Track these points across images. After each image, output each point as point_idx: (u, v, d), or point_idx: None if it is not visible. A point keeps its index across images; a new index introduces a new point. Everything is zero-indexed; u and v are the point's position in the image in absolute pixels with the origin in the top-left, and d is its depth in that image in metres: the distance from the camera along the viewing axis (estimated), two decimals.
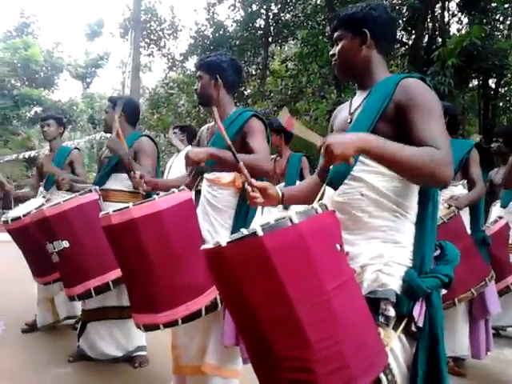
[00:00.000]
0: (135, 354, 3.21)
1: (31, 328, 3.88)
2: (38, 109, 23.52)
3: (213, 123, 2.54)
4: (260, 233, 1.09)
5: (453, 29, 10.80)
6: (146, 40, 16.58)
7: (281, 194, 1.72)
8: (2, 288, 5.18)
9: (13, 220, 3.44)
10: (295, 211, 1.17)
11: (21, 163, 19.44)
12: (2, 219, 3.60)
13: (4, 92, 22.75)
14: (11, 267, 4.09)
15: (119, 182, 3.17)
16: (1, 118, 22.03)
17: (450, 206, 2.97)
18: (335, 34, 1.68)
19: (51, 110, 18.61)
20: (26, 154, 17.73)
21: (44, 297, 3.86)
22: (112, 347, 3.19)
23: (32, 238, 3.24)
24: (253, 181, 1.66)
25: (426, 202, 1.51)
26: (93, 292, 2.79)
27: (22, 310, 4.02)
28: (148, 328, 2.10)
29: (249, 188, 1.66)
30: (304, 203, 1.73)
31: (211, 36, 14.07)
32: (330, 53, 1.72)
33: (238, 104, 12.70)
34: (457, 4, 10.29)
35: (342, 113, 1.76)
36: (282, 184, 4.17)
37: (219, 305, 2.12)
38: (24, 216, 3.37)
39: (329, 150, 1.28)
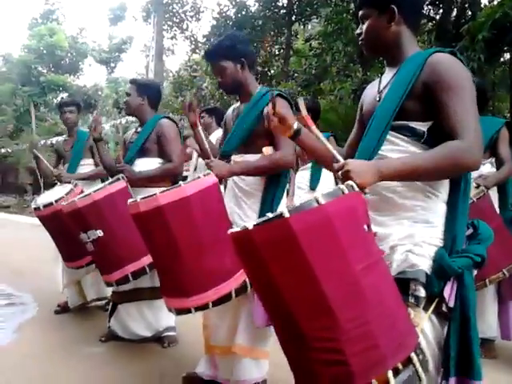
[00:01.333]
0: (164, 334, 3.27)
1: (63, 309, 3.99)
2: (64, 95, 23.83)
3: (238, 104, 2.51)
4: (286, 214, 1.10)
5: (484, 0, 10.38)
6: (169, 23, 16.55)
7: (297, 128, 1.61)
8: (36, 269, 5.34)
9: (45, 206, 3.47)
10: (321, 192, 1.16)
11: (49, 149, 19.83)
12: (33, 206, 3.65)
13: (31, 79, 23.14)
14: (45, 249, 4.20)
15: (146, 166, 3.16)
16: (29, 104, 22.43)
17: (478, 185, 2.89)
18: (360, 13, 1.63)
19: (76, 96, 18.91)
20: (54, 140, 18.07)
21: (70, 280, 3.94)
22: (142, 327, 3.25)
23: (63, 224, 3.29)
24: (278, 109, 1.57)
25: (458, 181, 1.48)
26: (130, 277, 2.84)
27: (55, 291, 4.13)
28: (179, 311, 2.12)
29: (271, 111, 1.58)
30: (318, 157, 1.69)
31: (234, 17, 13.92)
32: (357, 32, 1.67)
33: (261, 85, 12.53)
34: None
35: (370, 91, 1.72)
36: (309, 164, 4.14)
37: (249, 287, 2.13)
38: (56, 202, 3.40)
39: (348, 177, 1.27)
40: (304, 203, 1.13)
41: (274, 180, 2.29)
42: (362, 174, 1.27)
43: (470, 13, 9.23)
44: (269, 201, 2.30)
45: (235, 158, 2.39)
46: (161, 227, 1.99)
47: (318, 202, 1.12)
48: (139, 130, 3.33)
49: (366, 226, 1.22)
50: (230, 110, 2.60)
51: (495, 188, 3.13)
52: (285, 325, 1.25)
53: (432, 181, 1.45)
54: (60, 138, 4.54)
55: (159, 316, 3.25)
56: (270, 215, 1.14)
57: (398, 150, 1.48)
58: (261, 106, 2.27)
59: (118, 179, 2.96)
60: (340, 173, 1.30)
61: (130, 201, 2.09)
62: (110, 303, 3.41)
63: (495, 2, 8.77)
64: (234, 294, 2.08)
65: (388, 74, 1.63)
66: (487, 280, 2.80)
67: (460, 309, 1.42)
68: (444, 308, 1.41)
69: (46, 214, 3.51)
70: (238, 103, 2.50)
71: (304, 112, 1.42)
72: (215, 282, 2.04)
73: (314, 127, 1.42)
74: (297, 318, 1.16)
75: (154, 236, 2.07)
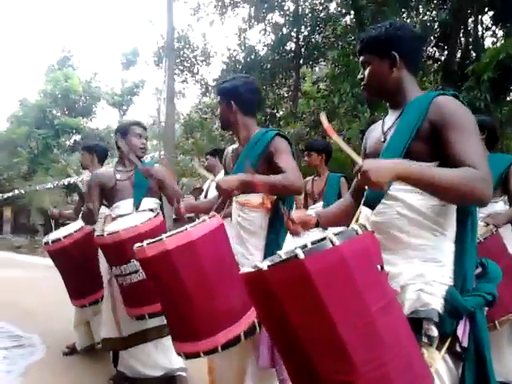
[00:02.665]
0: (176, 374, 3.16)
1: (72, 351, 3.95)
2: (77, 137, 24.35)
3: (237, 145, 2.56)
4: (301, 256, 1.09)
5: (487, 42, 10.62)
6: (180, 67, 16.99)
7: (317, 219, 1.72)
8: (47, 311, 5.32)
9: (53, 242, 3.53)
10: (334, 232, 1.16)
11: (61, 190, 20.08)
12: (43, 241, 3.71)
13: (46, 122, 23.72)
14: (57, 290, 4.20)
15: (148, 205, 3.24)
16: (42, 146, 22.93)
17: (487, 224, 2.86)
18: (361, 58, 1.67)
19: (90, 138, 19.27)
20: (66, 181, 18.33)
21: (80, 320, 3.93)
22: (151, 368, 3.15)
23: (71, 260, 3.31)
24: (294, 217, 1.65)
25: (465, 220, 1.48)
26: None
27: (64, 333, 4.09)
28: (188, 356, 2.08)
29: (290, 224, 1.65)
30: (339, 225, 1.71)
31: (243, 61, 14.30)
32: (359, 76, 1.70)
33: (270, 126, 12.78)
34: (490, 17, 10.13)
35: (373, 133, 1.75)
36: (321, 203, 4.16)
37: (257, 329, 2.10)
38: (64, 238, 3.46)
39: (365, 176, 1.30)
40: (318, 244, 1.13)
41: (278, 218, 2.30)
42: (378, 174, 1.30)
43: (474, 54, 9.43)
44: (273, 239, 2.30)
45: (237, 198, 2.38)
46: (169, 271, 1.97)
47: (332, 242, 1.12)
48: (121, 169, 3.32)
49: (379, 266, 1.22)
50: (229, 151, 2.64)
51: (510, 226, 3.09)
52: (299, 366, 1.23)
53: (440, 198, 1.43)
54: (81, 180, 4.63)
55: (168, 353, 3.12)
56: (283, 255, 1.14)
57: (405, 189, 1.48)
58: (260, 147, 2.31)
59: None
60: (358, 174, 1.33)
61: (136, 246, 2.05)
62: (111, 351, 3.31)
63: (498, 44, 8.96)
64: (243, 337, 2.04)
65: (391, 116, 1.66)
66: (496, 322, 2.69)
67: (474, 348, 1.40)
68: (458, 348, 1.39)
69: (54, 250, 3.56)
70: (237, 145, 2.55)
71: (326, 124, 1.44)
72: (224, 324, 2.01)
73: (335, 136, 1.42)
74: (313, 360, 1.14)
75: (161, 280, 2.05)
